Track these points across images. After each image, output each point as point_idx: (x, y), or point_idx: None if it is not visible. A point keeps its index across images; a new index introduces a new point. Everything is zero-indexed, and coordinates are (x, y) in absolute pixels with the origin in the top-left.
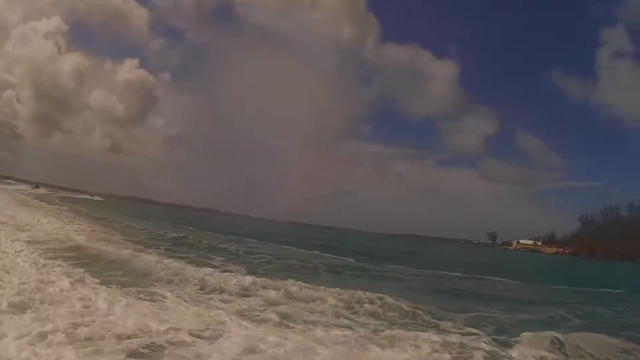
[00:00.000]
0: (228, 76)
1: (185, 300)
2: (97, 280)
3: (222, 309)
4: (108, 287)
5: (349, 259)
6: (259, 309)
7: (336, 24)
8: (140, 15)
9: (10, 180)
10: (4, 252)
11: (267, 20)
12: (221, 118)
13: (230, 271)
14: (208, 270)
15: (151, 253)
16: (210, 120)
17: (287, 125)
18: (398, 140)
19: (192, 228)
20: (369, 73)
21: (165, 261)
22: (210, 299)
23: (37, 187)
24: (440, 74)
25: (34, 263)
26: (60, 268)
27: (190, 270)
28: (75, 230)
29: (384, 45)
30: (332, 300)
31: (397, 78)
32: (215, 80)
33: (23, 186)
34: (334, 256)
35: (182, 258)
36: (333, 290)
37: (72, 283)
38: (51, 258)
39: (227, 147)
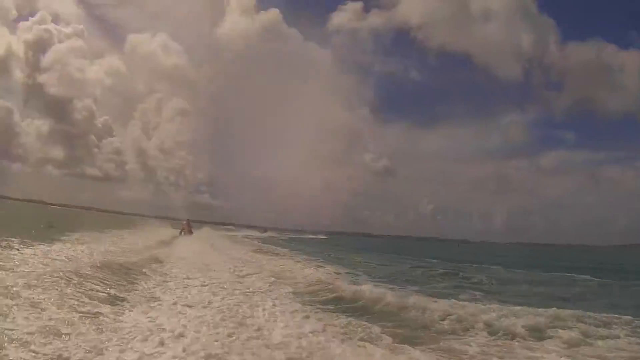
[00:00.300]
0: (422, 100)
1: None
2: (389, 339)
3: None
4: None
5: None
6: None
7: (513, 32)
8: (324, 56)
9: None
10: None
11: (446, 40)
12: (430, 145)
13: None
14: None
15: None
16: (419, 150)
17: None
18: (603, 142)
19: (437, 260)
20: (556, 77)
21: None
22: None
23: (265, 231)
24: (629, 65)
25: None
26: (337, 323)
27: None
28: (328, 273)
29: (566, 45)
30: None
31: (588, 77)
32: (411, 109)
33: (250, 231)
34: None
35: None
36: None
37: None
38: (324, 310)
39: (428, 174)
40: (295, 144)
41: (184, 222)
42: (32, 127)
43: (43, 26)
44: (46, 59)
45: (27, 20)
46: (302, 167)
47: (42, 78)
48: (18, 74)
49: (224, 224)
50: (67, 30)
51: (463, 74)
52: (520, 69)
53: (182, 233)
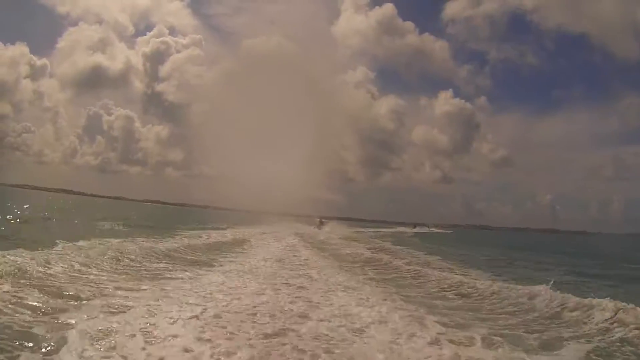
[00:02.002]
0: (539, 86)
1: None
2: None
3: None
4: None
5: None
6: None
7: (630, 7)
8: (440, 47)
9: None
10: None
11: (561, 21)
12: (548, 133)
13: None
14: None
15: None
16: (537, 138)
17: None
18: None
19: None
20: None
21: None
22: None
23: (415, 226)
24: None
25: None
26: None
27: None
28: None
29: None
30: None
31: None
32: (528, 96)
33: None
34: None
35: None
36: None
37: None
38: None
39: (549, 165)
40: (415, 136)
41: (317, 219)
42: (152, 133)
43: (160, 39)
44: (164, 69)
45: (145, 35)
46: (421, 159)
47: (160, 87)
48: (138, 84)
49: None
50: (185, 41)
51: (580, 56)
52: (638, 46)
53: (316, 227)
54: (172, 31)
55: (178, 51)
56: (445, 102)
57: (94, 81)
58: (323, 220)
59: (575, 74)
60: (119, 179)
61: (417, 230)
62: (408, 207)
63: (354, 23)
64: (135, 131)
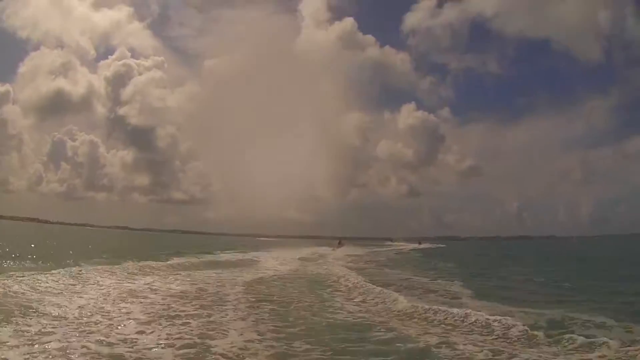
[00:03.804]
0: (503, 94)
1: None
2: None
3: None
4: None
5: None
6: None
7: (590, 9)
8: (402, 60)
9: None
10: None
11: (522, 27)
12: (513, 141)
13: None
14: None
15: None
16: (503, 146)
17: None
18: None
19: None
20: (638, 53)
21: None
22: None
23: (420, 243)
24: None
25: None
26: None
27: None
28: None
29: None
30: None
31: None
32: (492, 105)
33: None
34: None
35: None
36: None
37: None
38: None
39: (515, 173)
40: (380, 151)
41: (337, 241)
42: (117, 158)
43: (122, 61)
44: (126, 92)
45: (107, 58)
46: (386, 174)
47: (123, 110)
48: (100, 108)
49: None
50: (147, 63)
51: (543, 61)
52: (600, 48)
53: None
54: (134, 53)
55: (140, 73)
56: (408, 115)
57: (57, 106)
58: (342, 241)
59: (539, 79)
60: (85, 205)
61: (417, 246)
62: (378, 223)
63: (315, 38)
64: (100, 156)
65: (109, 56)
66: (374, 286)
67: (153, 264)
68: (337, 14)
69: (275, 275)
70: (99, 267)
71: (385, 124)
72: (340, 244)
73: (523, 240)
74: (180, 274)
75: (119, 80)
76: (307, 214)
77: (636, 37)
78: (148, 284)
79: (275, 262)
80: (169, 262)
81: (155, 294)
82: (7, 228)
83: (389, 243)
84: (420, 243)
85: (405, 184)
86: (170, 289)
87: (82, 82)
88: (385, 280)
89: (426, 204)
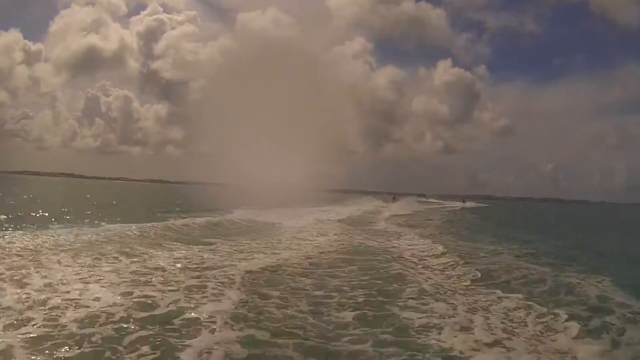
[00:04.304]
0: (540, 55)
1: None
2: None
3: None
4: None
5: None
6: None
7: None
8: (438, 15)
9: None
10: None
11: None
12: (548, 103)
13: None
14: None
15: None
16: (538, 107)
17: None
18: None
19: None
20: None
21: None
22: None
23: (464, 201)
24: None
25: None
26: None
27: None
28: None
29: None
30: None
31: None
32: (528, 65)
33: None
34: None
35: None
36: None
37: None
38: None
39: (550, 134)
40: (415, 107)
41: (392, 196)
42: (151, 112)
43: (154, 16)
44: (159, 47)
45: (139, 14)
46: (421, 129)
47: (156, 65)
48: (133, 63)
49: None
50: (180, 17)
51: (581, 24)
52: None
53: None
54: (166, 8)
55: (173, 28)
56: (444, 72)
57: (89, 63)
58: (396, 196)
59: (576, 42)
60: (119, 159)
61: (464, 205)
62: (411, 179)
63: None
64: (134, 111)
65: (141, 12)
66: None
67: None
68: None
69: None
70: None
71: (421, 80)
72: (394, 200)
73: (556, 202)
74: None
75: (151, 35)
76: (339, 167)
77: None
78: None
79: (312, 226)
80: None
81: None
82: (42, 184)
83: (423, 200)
84: (464, 201)
85: (439, 141)
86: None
87: (113, 37)
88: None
89: (460, 162)
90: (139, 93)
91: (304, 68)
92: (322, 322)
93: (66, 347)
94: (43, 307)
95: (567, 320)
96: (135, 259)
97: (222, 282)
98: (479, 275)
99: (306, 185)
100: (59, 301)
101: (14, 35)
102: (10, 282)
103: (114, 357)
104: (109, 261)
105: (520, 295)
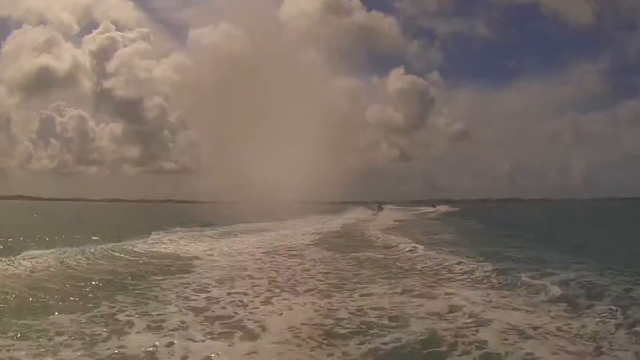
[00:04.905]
0: (492, 58)
1: None
2: None
3: None
4: None
5: None
6: None
7: None
8: (389, 24)
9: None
10: None
11: None
12: (503, 105)
13: None
14: None
15: None
16: (493, 110)
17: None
18: None
19: None
20: (629, 16)
21: None
22: None
23: (434, 206)
24: None
25: None
26: None
27: None
28: None
29: None
30: None
31: None
32: (485, 67)
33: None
34: None
35: None
36: None
37: None
38: None
39: (506, 136)
40: (369, 116)
41: (376, 205)
42: (106, 131)
43: (106, 34)
44: (111, 65)
45: (91, 32)
46: (376, 138)
47: (109, 83)
48: (87, 83)
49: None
50: (132, 35)
51: (532, 25)
52: (591, 12)
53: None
54: (118, 26)
55: (125, 46)
56: (397, 79)
57: (42, 83)
58: (382, 205)
59: (528, 43)
60: (76, 180)
61: (437, 209)
62: (369, 187)
63: (300, 4)
64: (89, 130)
65: (93, 30)
66: None
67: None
68: None
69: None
70: None
71: (374, 89)
72: (379, 208)
73: (515, 202)
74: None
75: (103, 54)
76: (301, 180)
77: (627, 0)
78: None
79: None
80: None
81: None
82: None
83: (391, 207)
84: (434, 206)
85: (396, 148)
86: None
87: (66, 57)
88: None
89: (417, 168)
90: (93, 112)
91: (258, 82)
92: None
93: None
94: None
95: None
96: None
97: None
98: None
99: (264, 196)
100: None
101: None
102: None
103: None
104: None
105: None
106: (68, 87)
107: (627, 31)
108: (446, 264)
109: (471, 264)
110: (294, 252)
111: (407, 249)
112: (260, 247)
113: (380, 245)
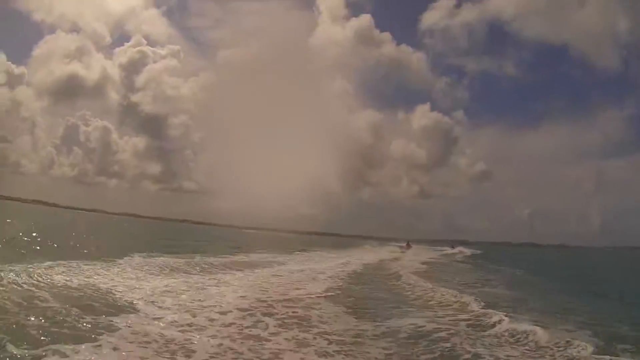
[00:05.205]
0: (518, 98)
1: None
2: None
3: None
4: None
5: None
6: None
7: (610, 16)
8: (418, 59)
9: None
10: None
11: (540, 31)
12: (527, 147)
13: None
14: None
15: None
16: (516, 152)
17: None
18: None
19: None
20: None
21: None
22: None
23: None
24: None
25: None
26: None
27: None
28: None
29: None
30: None
31: None
32: (510, 107)
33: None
34: None
35: None
36: None
37: None
38: None
39: (533, 178)
40: (392, 151)
41: (405, 243)
42: (129, 145)
43: (137, 48)
44: (140, 79)
45: (122, 45)
46: (398, 173)
47: (136, 97)
48: (114, 95)
49: None
50: (163, 51)
51: (560, 68)
52: (619, 57)
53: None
54: (149, 41)
55: (155, 61)
56: (422, 116)
57: (70, 90)
58: (410, 243)
59: (556, 85)
60: (94, 191)
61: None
62: (386, 222)
63: (332, 34)
64: (112, 143)
65: (125, 43)
66: None
67: None
68: (354, 10)
69: None
70: None
71: (399, 124)
72: (408, 246)
73: (532, 247)
74: None
75: (133, 67)
76: (319, 210)
77: None
78: None
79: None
80: None
81: None
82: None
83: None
84: (453, 247)
85: (416, 185)
86: None
87: (96, 67)
88: None
89: (437, 206)
90: (118, 125)
91: (282, 107)
92: None
93: None
94: None
95: None
96: None
97: None
98: None
99: (277, 225)
100: None
101: None
102: None
103: None
104: None
105: None
106: (95, 98)
107: None
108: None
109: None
110: (296, 311)
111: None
112: (244, 297)
113: (425, 304)
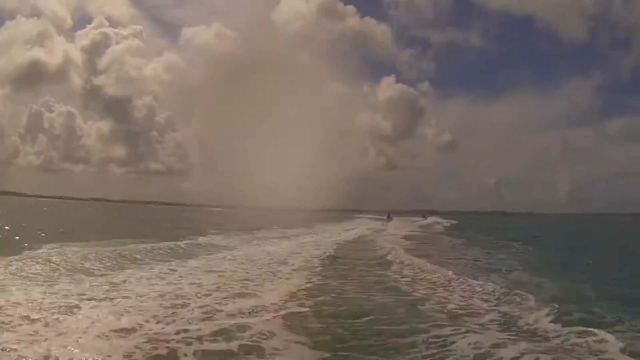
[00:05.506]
0: (484, 70)
1: None
2: None
3: None
4: None
5: None
6: None
7: None
8: (382, 31)
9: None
10: None
11: (508, 3)
12: (493, 117)
13: None
14: None
15: None
16: (482, 122)
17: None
18: None
19: None
20: (623, 34)
21: None
22: None
23: (424, 217)
24: None
25: None
26: None
27: None
28: None
29: None
30: None
31: None
32: (476, 78)
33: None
34: None
35: None
36: None
37: None
38: None
39: (499, 148)
40: (358, 123)
41: (387, 215)
42: (94, 129)
43: (99, 30)
44: (103, 61)
45: (84, 27)
46: (364, 146)
47: (99, 80)
48: (77, 79)
49: None
50: (125, 32)
51: (526, 39)
52: (585, 28)
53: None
54: (112, 22)
55: (117, 43)
56: (388, 88)
57: (33, 77)
58: (391, 215)
59: (521, 57)
60: (61, 177)
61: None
62: (353, 195)
63: (295, 7)
64: (77, 127)
65: (87, 25)
66: None
67: None
68: None
69: None
70: None
71: (365, 96)
72: (389, 219)
73: (501, 215)
74: None
75: (95, 50)
76: (285, 185)
77: (620, 18)
78: None
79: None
80: None
81: None
82: None
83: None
84: (425, 217)
85: (383, 157)
86: None
87: (58, 51)
88: None
89: (404, 177)
90: (82, 109)
91: (249, 83)
92: None
93: None
94: None
95: None
96: None
97: None
98: None
99: (249, 203)
100: None
101: None
102: None
103: None
104: None
105: None
106: (58, 82)
107: (619, 49)
108: None
109: None
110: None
111: None
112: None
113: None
